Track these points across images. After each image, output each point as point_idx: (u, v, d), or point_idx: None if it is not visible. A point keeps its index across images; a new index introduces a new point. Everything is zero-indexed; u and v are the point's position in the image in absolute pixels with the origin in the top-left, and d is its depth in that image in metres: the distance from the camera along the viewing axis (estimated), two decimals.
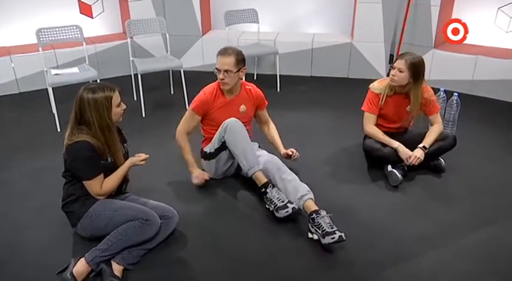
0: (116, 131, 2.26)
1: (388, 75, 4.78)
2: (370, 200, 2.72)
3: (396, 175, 2.79)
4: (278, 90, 4.55)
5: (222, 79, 2.69)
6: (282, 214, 2.40)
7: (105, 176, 2.23)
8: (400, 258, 2.23)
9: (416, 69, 2.78)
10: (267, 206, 2.52)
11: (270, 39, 4.88)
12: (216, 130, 2.75)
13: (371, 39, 4.75)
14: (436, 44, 4.61)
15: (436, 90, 3.13)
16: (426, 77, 3.23)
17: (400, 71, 2.80)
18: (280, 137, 3.03)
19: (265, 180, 2.53)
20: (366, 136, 3.08)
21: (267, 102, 3.01)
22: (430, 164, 2.98)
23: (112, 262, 2.10)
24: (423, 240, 2.36)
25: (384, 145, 2.92)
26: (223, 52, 2.69)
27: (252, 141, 2.79)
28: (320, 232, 2.27)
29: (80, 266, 2.05)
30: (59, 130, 3.58)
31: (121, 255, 2.12)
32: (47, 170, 2.97)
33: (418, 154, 2.83)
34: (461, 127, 3.57)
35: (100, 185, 2.20)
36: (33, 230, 2.42)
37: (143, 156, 2.34)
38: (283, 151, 2.94)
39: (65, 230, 2.34)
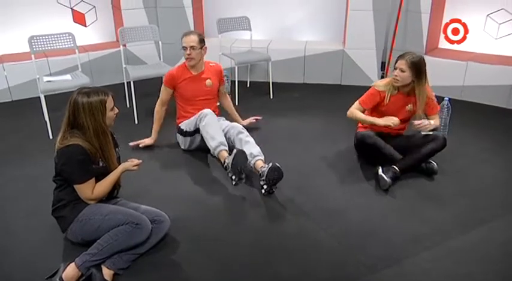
0: (110, 135, 2.26)
1: (382, 77, 4.84)
2: (362, 202, 2.72)
3: (384, 179, 2.80)
4: (271, 97, 4.56)
5: (188, 54, 3.16)
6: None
7: (97, 181, 2.21)
8: (393, 259, 2.22)
9: (418, 67, 2.84)
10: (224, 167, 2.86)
11: (262, 46, 4.91)
12: (188, 106, 3.28)
13: (363, 46, 4.79)
14: (427, 50, 4.66)
15: None
16: None
17: (402, 71, 2.84)
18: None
19: (226, 155, 2.88)
20: (357, 132, 3.12)
21: (224, 79, 3.51)
22: (422, 167, 3.00)
23: (102, 266, 2.08)
24: (416, 241, 2.36)
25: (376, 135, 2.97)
26: (188, 33, 3.20)
27: (218, 116, 3.31)
28: (264, 177, 2.72)
29: (70, 271, 2.03)
30: (51, 137, 3.56)
31: (111, 259, 2.10)
32: (38, 176, 2.95)
33: (426, 121, 2.92)
34: (453, 131, 3.61)
35: (91, 189, 2.18)
36: (23, 235, 2.40)
37: (136, 161, 2.32)
38: (243, 122, 3.52)
39: (55, 235, 2.32)
